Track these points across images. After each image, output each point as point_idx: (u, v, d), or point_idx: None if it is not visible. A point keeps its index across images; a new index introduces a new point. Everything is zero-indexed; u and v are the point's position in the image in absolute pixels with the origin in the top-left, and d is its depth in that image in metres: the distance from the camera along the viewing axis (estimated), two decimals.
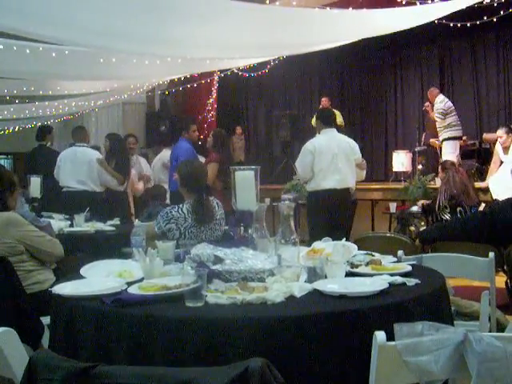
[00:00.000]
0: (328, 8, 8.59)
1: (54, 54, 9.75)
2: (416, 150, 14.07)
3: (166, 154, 11.14)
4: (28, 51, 9.52)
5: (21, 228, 5.03)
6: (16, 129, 19.11)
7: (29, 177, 8.49)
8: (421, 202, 10.69)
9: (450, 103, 13.32)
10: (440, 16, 9.32)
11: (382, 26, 9.17)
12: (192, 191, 5.36)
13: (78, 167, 9.73)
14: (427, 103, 13.78)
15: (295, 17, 8.31)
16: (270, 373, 1.73)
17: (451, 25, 10.95)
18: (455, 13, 9.11)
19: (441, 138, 13.30)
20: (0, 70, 11.30)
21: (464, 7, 8.78)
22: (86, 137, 10.41)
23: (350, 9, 8.51)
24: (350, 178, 8.46)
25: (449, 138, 13.12)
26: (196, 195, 5.33)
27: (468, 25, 11.27)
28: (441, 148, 13.29)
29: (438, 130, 13.38)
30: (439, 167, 10.05)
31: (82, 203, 8.76)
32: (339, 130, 9.42)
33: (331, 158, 8.36)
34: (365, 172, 8.86)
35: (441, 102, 13.27)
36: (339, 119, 15.22)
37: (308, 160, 8.48)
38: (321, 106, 15.54)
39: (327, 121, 8.67)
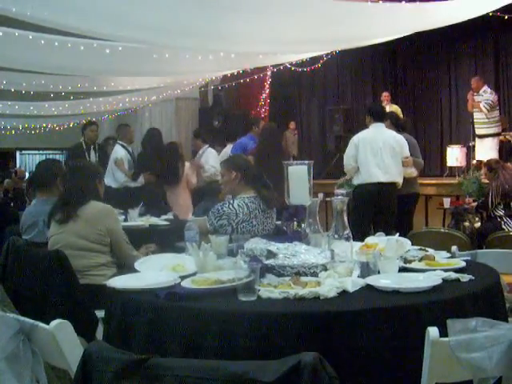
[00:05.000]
0: (380, 1, 8.52)
1: (107, 51, 9.85)
2: (470, 144, 13.88)
3: (229, 149, 11.15)
4: (82, 48, 9.62)
5: (114, 221, 5.23)
6: (71, 125, 19.35)
7: None
8: (471, 203, 10.58)
9: (496, 97, 13.17)
10: (494, 8, 9.20)
11: (435, 19, 9.08)
12: (250, 184, 5.37)
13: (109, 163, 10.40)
14: (471, 91, 13.56)
15: (348, 11, 8.27)
16: (322, 367, 1.73)
17: (506, 17, 10.80)
18: (510, 4, 8.97)
19: (480, 133, 13.11)
20: (55, 67, 11.44)
21: None
22: (125, 134, 10.82)
23: (403, 2, 8.44)
24: (395, 172, 8.43)
25: (491, 134, 12.97)
26: (255, 186, 5.34)
27: None
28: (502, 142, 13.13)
29: (475, 121, 13.20)
30: (484, 167, 9.93)
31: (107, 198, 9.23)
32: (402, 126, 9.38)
33: (376, 151, 8.39)
34: (412, 169, 8.75)
35: (490, 93, 13.07)
36: (399, 116, 15.12)
37: (351, 152, 8.60)
38: (385, 103, 15.47)
39: (377, 116, 8.69)
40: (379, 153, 8.37)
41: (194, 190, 10.32)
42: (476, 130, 13.27)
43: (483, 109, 12.83)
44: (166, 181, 9.77)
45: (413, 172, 8.74)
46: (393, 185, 8.42)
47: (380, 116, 8.72)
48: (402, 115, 14.94)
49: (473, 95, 13.23)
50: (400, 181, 8.48)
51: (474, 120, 13.24)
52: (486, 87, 13.17)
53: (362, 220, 8.35)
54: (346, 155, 8.77)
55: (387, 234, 4.36)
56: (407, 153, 8.53)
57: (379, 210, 8.35)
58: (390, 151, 8.39)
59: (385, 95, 15.84)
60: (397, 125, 9.29)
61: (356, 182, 8.68)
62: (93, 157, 10.78)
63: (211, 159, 10.95)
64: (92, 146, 11.01)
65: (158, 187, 9.75)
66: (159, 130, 11.05)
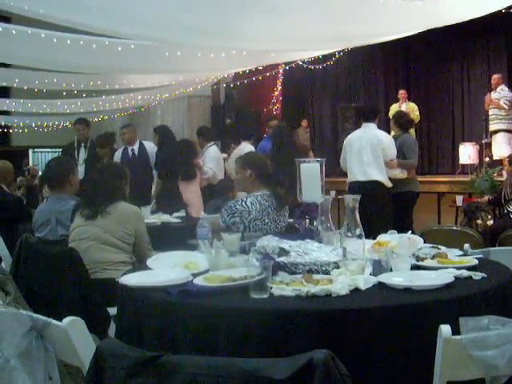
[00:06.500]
0: None
1: (119, 48, 9.85)
2: (483, 142, 13.84)
3: (244, 147, 10.98)
4: (94, 46, 9.64)
5: (142, 223, 5.38)
6: None
7: None
8: (486, 197, 10.54)
9: None
10: (507, 5, 9.15)
11: (447, 16, 9.05)
12: (265, 182, 5.37)
13: None
14: (488, 93, 13.52)
15: (360, 8, 8.26)
16: (334, 365, 1.73)
17: None
18: None
19: (495, 128, 13.07)
20: (67, 65, 11.47)
21: None
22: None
23: None
24: (375, 171, 8.45)
25: (505, 130, 12.93)
26: (269, 184, 5.34)
27: None
28: None
29: (490, 118, 13.16)
30: (506, 160, 9.89)
31: None
32: (408, 125, 9.38)
33: (359, 150, 8.53)
34: (397, 171, 8.68)
35: (509, 91, 13.06)
36: (415, 113, 15.07)
37: (342, 154, 8.90)
38: (401, 101, 15.49)
39: (365, 116, 8.85)
40: (362, 152, 8.50)
41: (203, 188, 10.26)
42: (490, 126, 13.24)
43: (504, 106, 12.82)
44: (185, 177, 9.70)
45: (397, 174, 8.66)
46: (374, 184, 8.42)
47: (368, 116, 8.82)
48: (417, 113, 14.95)
49: (489, 93, 13.23)
50: (383, 180, 8.46)
51: (490, 116, 13.21)
52: (503, 85, 13.17)
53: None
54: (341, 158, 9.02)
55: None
56: (391, 155, 8.51)
57: (364, 208, 8.29)
58: (372, 150, 8.46)
59: (401, 93, 15.83)
60: (401, 125, 9.31)
61: (347, 180, 8.86)
62: (82, 155, 10.60)
63: (208, 159, 10.64)
64: (83, 144, 10.68)
65: (173, 185, 9.65)
66: (167, 126, 11.01)
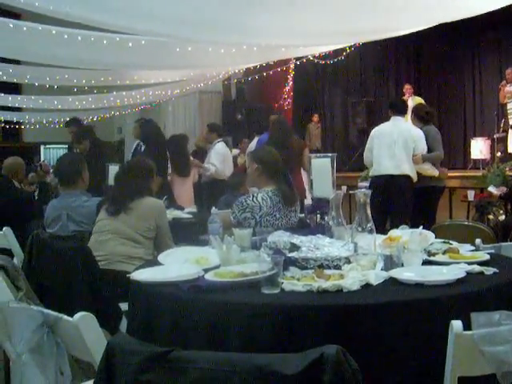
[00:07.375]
0: None
1: (130, 44, 9.87)
2: (495, 136, 13.79)
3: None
4: (105, 42, 9.66)
5: (164, 218, 5.43)
6: (94, 118, 19.43)
7: (107, 165, 8.52)
8: (496, 190, 10.49)
9: None
10: None
11: (459, 10, 9.02)
12: (272, 178, 5.36)
13: None
14: (504, 82, 13.47)
15: (371, 3, 8.24)
16: (345, 360, 1.72)
17: None
18: None
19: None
20: (78, 61, 11.50)
21: None
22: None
23: None
24: (407, 166, 8.42)
25: None
26: (277, 180, 5.33)
27: None
28: None
29: (509, 112, 13.09)
30: None
31: None
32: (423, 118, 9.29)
33: (390, 144, 8.47)
34: (428, 166, 8.64)
35: None
36: None
37: (368, 145, 8.86)
38: (407, 96, 15.39)
39: (396, 109, 8.79)
40: (393, 146, 8.44)
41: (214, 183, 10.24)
42: (510, 120, 13.17)
43: None
44: (181, 173, 9.68)
45: (427, 169, 8.61)
46: (405, 178, 8.40)
47: (399, 109, 8.81)
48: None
49: (505, 86, 13.16)
50: (413, 175, 8.43)
51: (508, 110, 13.15)
52: None
53: (375, 211, 8.31)
54: (365, 148, 8.95)
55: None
56: (420, 149, 8.47)
57: (391, 202, 8.34)
58: (403, 145, 8.42)
59: (407, 88, 15.77)
60: (422, 117, 9.23)
61: (370, 173, 8.87)
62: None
63: (213, 156, 10.63)
64: None
65: (164, 181, 9.55)
66: (152, 120, 10.87)
